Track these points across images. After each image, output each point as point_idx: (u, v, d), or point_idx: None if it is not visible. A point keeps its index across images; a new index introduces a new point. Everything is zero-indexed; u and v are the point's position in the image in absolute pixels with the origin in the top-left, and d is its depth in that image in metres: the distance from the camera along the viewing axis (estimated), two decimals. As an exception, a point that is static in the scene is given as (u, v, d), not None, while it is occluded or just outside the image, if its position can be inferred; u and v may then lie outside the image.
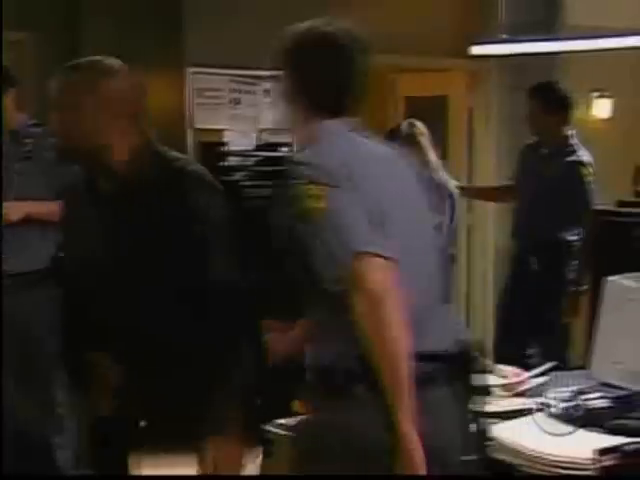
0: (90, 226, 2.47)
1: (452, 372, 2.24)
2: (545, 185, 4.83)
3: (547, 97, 4.95)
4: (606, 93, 6.82)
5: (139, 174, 2.39)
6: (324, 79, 2.34)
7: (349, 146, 2.30)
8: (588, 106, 6.85)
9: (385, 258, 2.15)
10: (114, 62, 2.44)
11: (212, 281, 2.38)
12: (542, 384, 2.95)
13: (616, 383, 2.85)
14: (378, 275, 2.13)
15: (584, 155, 4.85)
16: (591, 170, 4.78)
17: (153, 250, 2.35)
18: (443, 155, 6.71)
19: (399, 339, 2.11)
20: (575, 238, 4.79)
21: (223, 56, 5.19)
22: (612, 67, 6.40)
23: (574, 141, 4.93)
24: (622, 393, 2.71)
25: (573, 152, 4.86)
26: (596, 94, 6.82)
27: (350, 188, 2.19)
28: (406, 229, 2.27)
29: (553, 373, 3.08)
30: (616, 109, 6.87)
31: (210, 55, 5.13)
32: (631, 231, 3.63)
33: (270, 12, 5.53)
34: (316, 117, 2.33)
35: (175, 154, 2.50)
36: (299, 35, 2.38)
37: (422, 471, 2.07)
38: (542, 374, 2.99)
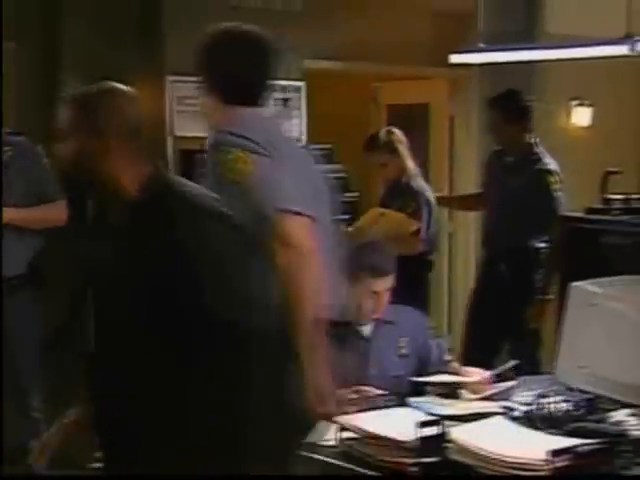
0: (101, 257, 2.30)
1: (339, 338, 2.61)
2: (511, 193, 4.84)
3: (507, 107, 4.97)
4: (586, 101, 6.88)
5: (148, 205, 2.23)
6: (241, 72, 2.68)
7: (270, 129, 2.66)
8: (568, 114, 6.91)
9: (308, 217, 2.46)
10: (122, 87, 2.29)
11: (216, 323, 2.16)
12: (510, 388, 3.01)
13: (581, 387, 2.90)
14: (301, 231, 2.44)
15: (550, 163, 4.87)
16: (558, 178, 4.81)
17: (160, 284, 2.16)
18: (425, 163, 6.80)
19: (315, 291, 2.40)
20: (543, 245, 4.82)
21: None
22: (592, 75, 6.46)
23: (539, 149, 4.95)
24: (584, 397, 2.77)
25: (539, 160, 4.87)
26: (575, 102, 6.87)
27: (276, 158, 2.51)
28: (316, 208, 2.56)
29: (522, 378, 3.14)
30: (596, 117, 6.93)
31: (190, 63, 5.16)
32: (599, 237, 3.67)
33: (250, 22, 5.59)
34: (233, 105, 2.66)
35: (185, 183, 2.34)
36: (219, 34, 2.73)
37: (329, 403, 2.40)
38: (504, 374, 3.04)
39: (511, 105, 4.96)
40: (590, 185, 5.14)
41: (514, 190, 4.83)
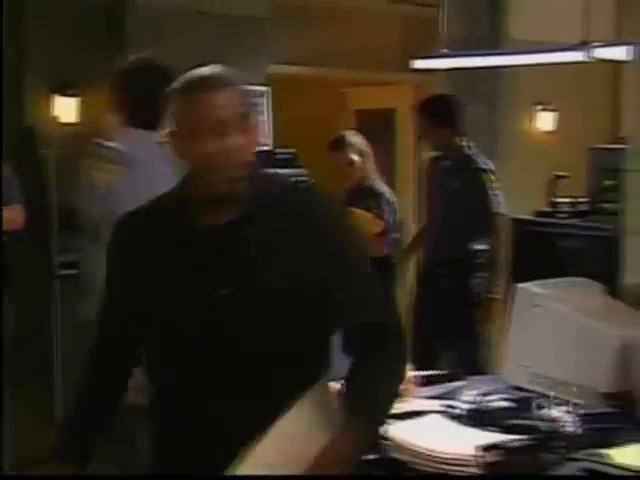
0: (184, 267, 2.06)
1: None
2: (449, 196, 4.92)
3: (436, 111, 5.05)
4: (549, 106, 6.96)
5: (257, 201, 2.04)
6: (141, 98, 3.10)
7: (147, 148, 3.03)
8: (531, 119, 6.99)
9: None
10: (228, 70, 2.07)
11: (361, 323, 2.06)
12: (457, 388, 3.06)
13: (525, 386, 2.97)
14: None
15: (485, 163, 4.96)
16: (493, 177, 4.88)
17: (283, 290, 2.00)
18: (392, 167, 6.87)
19: None
20: (484, 247, 4.89)
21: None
22: (557, 80, 6.55)
23: (472, 151, 5.04)
24: (525, 395, 2.84)
25: (472, 161, 4.96)
26: (539, 107, 6.96)
27: (134, 171, 2.92)
28: None
29: (469, 377, 3.20)
30: (560, 122, 7.02)
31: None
32: (548, 240, 3.74)
33: (216, 27, 5.65)
34: (131, 126, 3.10)
35: (273, 173, 2.25)
36: (128, 64, 3.18)
37: None
38: (447, 376, 3.11)
39: (440, 109, 5.05)
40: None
41: (451, 192, 4.91)
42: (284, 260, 2.01)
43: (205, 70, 2.05)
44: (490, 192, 4.82)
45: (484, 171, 4.89)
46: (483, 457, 2.20)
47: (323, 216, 2.08)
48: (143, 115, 3.08)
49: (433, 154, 5.24)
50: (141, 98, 3.07)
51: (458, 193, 4.88)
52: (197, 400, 2.05)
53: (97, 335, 2.27)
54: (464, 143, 5.04)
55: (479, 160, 4.96)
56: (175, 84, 2.07)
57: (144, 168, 2.95)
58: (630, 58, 3.44)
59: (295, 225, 2.04)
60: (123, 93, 3.12)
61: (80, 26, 5.23)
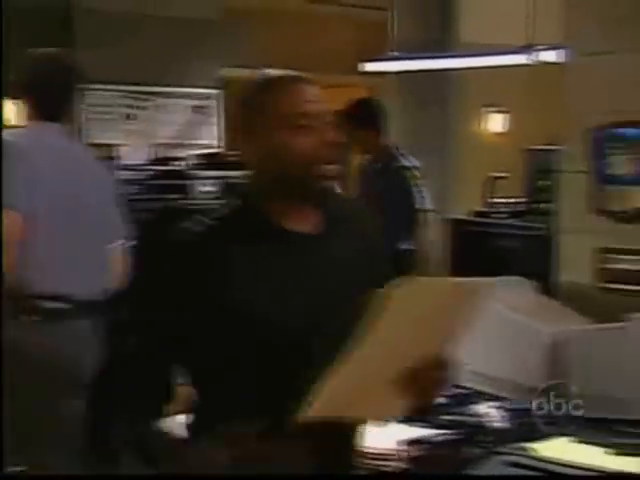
0: (276, 274, 2.00)
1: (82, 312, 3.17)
2: (377, 197, 4.99)
3: (358, 114, 5.14)
4: (502, 108, 7.04)
5: (331, 207, 2.06)
6: (42, 91, 3.29)
7: (37, 138, 3.25)
8: (482, 120, 7.07)
9: (16, 210, 3.07)
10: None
11: None
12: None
13: (462, 383, 3.02)
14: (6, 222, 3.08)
15: (408, 161, 5.04)
16: (416, 173, 4.95)
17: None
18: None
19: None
20: (413, 246, 4.95)
21: (117, 73, 5.29)
22: (508, 82, 6.63)
23: (398, 151, 5.12)
24: (459, 392, 2.88)
25: (395, 160, 5.05)
26: (491, 109, 7.03)
27: (17, 160, 3.12)
28: (62, 199, 3.20)
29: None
30: (512, 123, 7.10)
31: (103, 72, 5.23)
32: (486, 240, 3.80)
33: (167, 29, 5.67)
34: (35, 118, 3.28)
35: None
36: (35, 57, 3.36)
37: None
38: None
39: (362, 112, 5.14)
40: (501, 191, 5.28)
41: (379, 193, 4.98)
42: (353, 268, 2.06)
43: (275, 71, 2.08)
44: (414, 189, 4.90)
45: (407, 168, 4.97)
46: (406, 451, 2.25)
47: (371, 223, 2.20)
48: (46, 108, 3.27)
49: (366, 159, 5.32)
50: (42, 92, 3.27)
51: (384, 193, 4.95)
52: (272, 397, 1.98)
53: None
54: (389, 144, 5.13)
55: (402, 159, 5.04)
56: (259, 84, 2.04)
57: (29, 157, 3.15)
58: (562, 60, 3.50)
59: (356, 232, 2.10)
60: (26, 88, 3.31)
61: (28, 31, 5.23)
